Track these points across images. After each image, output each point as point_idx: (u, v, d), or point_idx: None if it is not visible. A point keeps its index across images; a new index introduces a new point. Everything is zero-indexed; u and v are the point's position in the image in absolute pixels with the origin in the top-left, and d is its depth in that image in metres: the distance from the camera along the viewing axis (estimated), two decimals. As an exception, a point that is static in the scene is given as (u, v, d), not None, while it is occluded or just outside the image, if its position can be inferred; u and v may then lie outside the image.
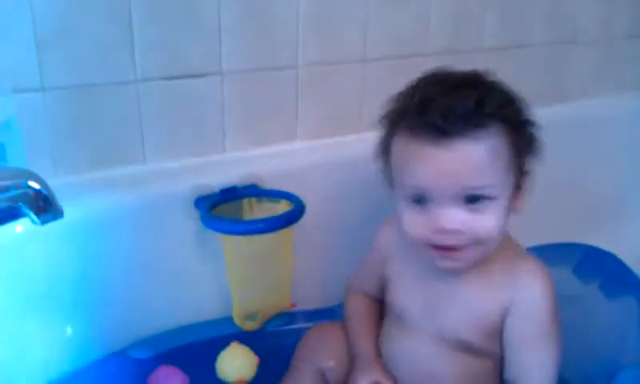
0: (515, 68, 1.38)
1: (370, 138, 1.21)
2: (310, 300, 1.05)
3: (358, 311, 0.90)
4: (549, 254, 0.98)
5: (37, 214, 0.68)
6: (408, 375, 0.81)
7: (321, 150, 1.14)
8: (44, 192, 0.68)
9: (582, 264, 0.93)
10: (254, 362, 0.95)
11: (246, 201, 1.01)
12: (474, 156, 0.68)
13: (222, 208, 0.98)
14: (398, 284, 0.83)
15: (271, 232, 0.94)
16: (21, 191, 0.66)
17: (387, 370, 0.81)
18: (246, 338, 0.98)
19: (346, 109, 1.19)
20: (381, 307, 0.90)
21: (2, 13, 0.86)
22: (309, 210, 0.98)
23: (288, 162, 1.10)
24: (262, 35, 1.06)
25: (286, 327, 1.02)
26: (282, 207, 0.99)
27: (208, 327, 1.01)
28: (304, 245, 1.03)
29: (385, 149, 0.79)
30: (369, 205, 1.09)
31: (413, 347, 0.81)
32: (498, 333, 0.76)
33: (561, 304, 0.90)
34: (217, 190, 1.00)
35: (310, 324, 0.96)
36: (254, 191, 1.02)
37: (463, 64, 1.28)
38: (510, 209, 0.74)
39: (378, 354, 0.84)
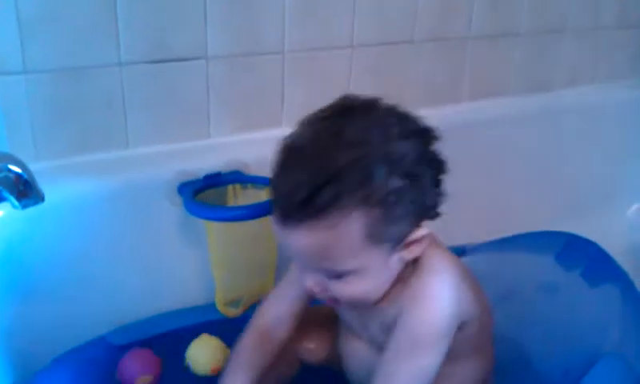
0: (503, 56, 1.39)
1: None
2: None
3: (245, 346, 0.85)
4: (531, 242, 0.99)
5: (17, 199, 0.67)
6: (355, 370, 0.85)
7: (306, 137, 1.14)
8: (25, 176, 0.67)
9: (565, 252, 0.93)
10: (226, 352, 0.91)
11: (230, 187, 1.01)
12: (305, 245, 0.68)
13: (205, 194, 0.98)
14: None
15: (255, 219, 0.93)
16: (1, 175, 0.66)
17: None
18: (229, 325, 0.98)
19: (333, 95, 1.17)
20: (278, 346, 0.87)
21: (-17, -6, 0.85)
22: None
23: (273, 148, 1.09)
24: (247, 19, 1.05)
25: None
26: (267, 194, 0.98)
27: (190, 314, 1.01)
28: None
29: None
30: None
31: (356, 346, 0.84)
32: None
33: (542, 292, 0.91)
34: (201, 175, 1.00)
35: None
36: (238, 177, 1.02)
37: (451, 51, 1.29)
38: (393, 266, 0.73)
39: None
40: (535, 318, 0.90)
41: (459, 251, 1.02)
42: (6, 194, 0.67)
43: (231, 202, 1.00)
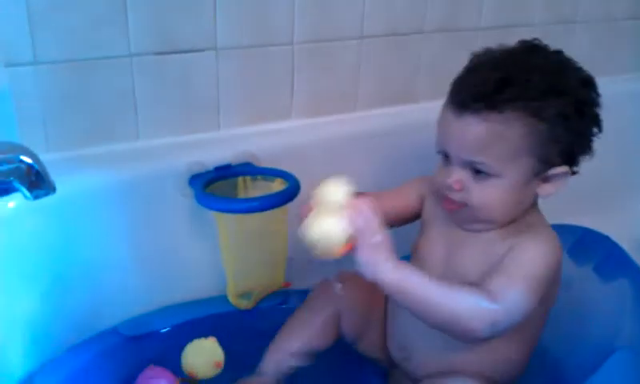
0: (513, 48, 1.37)
1: (366, 115, 1.21)
2: (305, 279, 1.05)
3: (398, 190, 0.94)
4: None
5: (29, 189, 0.67)
6: (405, 325, 0.87)
7: (316, 128, 1.14)
8: (36, 167, 0.67)
9: (578, 246, 0.93)
10: (214, 366, 0.87)
11: (240, 179, 1.00)
12: (474, 132, 0.75)
13: (216, 186, 0.98)
14: (427, 230, 0.88)
15: (266, 210, 0.93)
16: (13, 166, 0.66)
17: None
18: (240, 317, 0.98)
19: (342, 86, 1.18)
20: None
21: (-6, -15, 0.84)
22: (304, 188, 0.97)
23: (283, 139, 1.09)
24: (257, 11, 1.04)
25: (280, 306, 1.02)
26: (277, 185, 0.98)
27: (202, 305, 1.01)
28: (299, 223, 1.02)
29: None
30: (364, 183, 1.09)
31: None
32: None
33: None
34: (211, 167, 0.99)
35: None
36: (248, 169, 1.02)
37: (459, 43, 1.28)
38: (528, 193, 0.79)
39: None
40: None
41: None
42: (17, 184, 0.67)
43: (241, 194, 1.00)
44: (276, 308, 1.02)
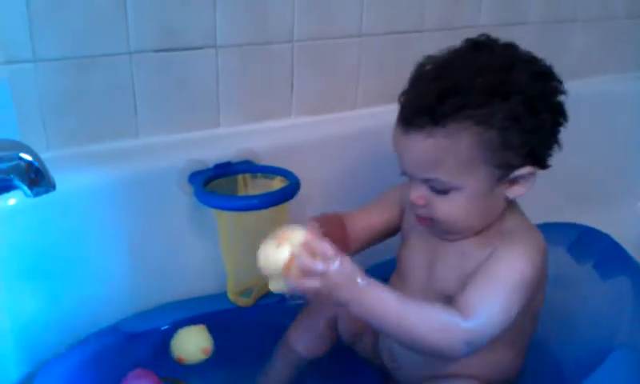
0: (512, 46, 1.37)
1: (366, 114, 1.21)
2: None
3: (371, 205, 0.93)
4: (544, 233, 0.98)
5: (29, 187, 0.67)
6: None
7: (316, 126, 1.14)
8: (36, 164, 0.67)
9: (577, 244, 0.93)
10: (202, 351, 0.90)
11: (240, 177, 1.00)
12: (421, 150, 0.73)
13: (216, 183, 0.98)
14: (408, 240, 0.87)
15: (266, 208, 0.93)
16: (13, 163, 0.66)
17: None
18: (240, 314, 0.98)
19: (342, 84, 1.18)
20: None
21: (-6, -19, 0.84)
22: (304, 186, 0.97)
23: (283, 137, 1.09)
24: (257, 8, 1.04)
25: (279, 304, 1.02)
26: (277, 183, 0.98)
27: (202, 303, 1.01)
28: (299, 221, 1.02)
29: None
30: (364, 181, 1.09)
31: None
32: None
33: (554, 283, 0.90)
34: (211, 165, 0.99)
35: (304, 303, 0.96)
36: (248, 167, 1.02)
37: (459, 41, 1.28)
38: (496, 199, 0.77)
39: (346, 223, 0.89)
40: (547, 309, 0.89)
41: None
42: (17, 182, 0.67)
43: (241, 192, 1.00)
44: (275, 305, 1.02)
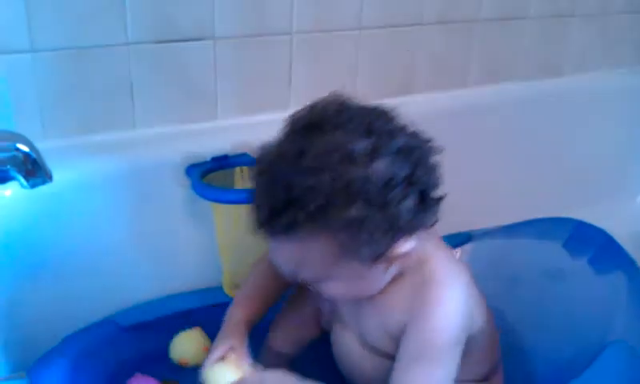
0: (511, 40, 1.38)
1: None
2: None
3: (255, 279, 0.87)
4: (539, 228, 0.99)
5: (26, 178, 0.67)
6: (345, 363, 0.84)
7: (314, 120, 1.13)
8: (33, 155, 0.67)
9: (573, 239, 0.93)
10: (203, 351, 0.89)
11: (237, 169, 1.00)
12: (280, 255, 0.70)
13: (213, 176, 0.98)
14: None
15: (263, 201, 0.93)
16: (9, 154, 0.66)
17: (244, 338, 0.81)
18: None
19: (341, 77, 1.18)
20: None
21: (-10, -29, 0.84)
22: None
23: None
24: (256, 0, 1.04)
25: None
26: (275, 176, 0.98)
27: (197, 296, 1.01)
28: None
29: None
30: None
31: (348, 343, 0.82)
32: None
33: (548, 279, 0.91)
34: (208, 157, 0.99)
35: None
36: (245, 160, 1.01)
37: (458, 35, 1.27)
38: (379, 271, 0.70)
39: (250, 321, 0.84)
40: (541, 304, 0.90)
41: (466, 237, 1.02)
42: (14, 173, 0.67)
43: (238, 185, 1.00)
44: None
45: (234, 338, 0.80)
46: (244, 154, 1.02)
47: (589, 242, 0.91)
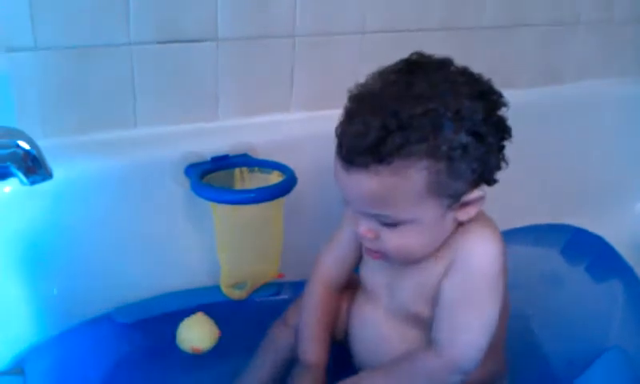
0: (514, 47, 1.38)
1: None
2: (298, 271, 1.05)
3: (317, 305, 0.88)
4: (537, 235, 0.99)
5: (26, 175, 0.67)
6: (365, 340, 0.85)
7: (315, 122, 1.13)
8: (33, 152, 0.67)
9: (570, 245, 0.93)
10: (214, 334, 0.92)
11: (237, 170, 1.01)
12: (367, 188, 0.70)
13: (212, 176, 0.98)
14: (368, 261, 0.84)
15: (262, 202, 0.93)
16: (10, 151, 0.66)
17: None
18: (233, 307, 0.99)
19: (343, 81, 1.16)
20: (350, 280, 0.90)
21: (-5, -32, 0.84)
22: (300, 181, 0.97)
23: (281, 132, 1.09)
24: (259, 2, 1.04)
25: (273, 298, 1.02)
26: (274, 178, 0.99)
27: (195, 295, 1.01)
28: (295, 216, 1.03)
29: None
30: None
31: (373, 317, 0.83)
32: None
33: (546, 285, 0.91)
34: (208, 157, 1.00)
35: (298, 295, 0.96)
36: (245, 161, 1.02)
37: (461, 41, 1.28)
38: (447, 224, 0.74)
39: (326, 361, 0.86)
40: (539, 310, 0.90)
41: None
42: (14, 170, 0.67)
43: (238, 185, 1.00)
44: (269, 299, 1.02)
45: None
46: (244, 155, 1.03)
47: (586, 248, 0.92)
